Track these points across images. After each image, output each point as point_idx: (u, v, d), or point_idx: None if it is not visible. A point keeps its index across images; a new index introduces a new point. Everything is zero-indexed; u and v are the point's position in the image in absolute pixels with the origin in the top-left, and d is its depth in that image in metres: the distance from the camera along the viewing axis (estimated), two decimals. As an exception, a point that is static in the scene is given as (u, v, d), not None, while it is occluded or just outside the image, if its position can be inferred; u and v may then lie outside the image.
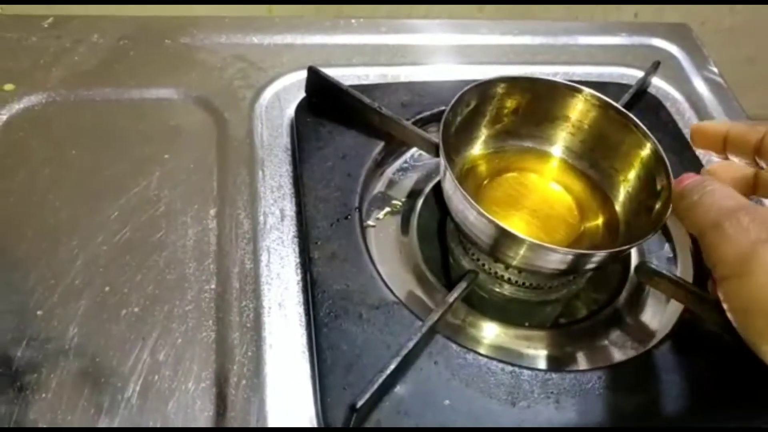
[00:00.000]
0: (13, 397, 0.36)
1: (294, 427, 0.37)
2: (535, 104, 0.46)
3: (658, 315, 0.46)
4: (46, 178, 0.46)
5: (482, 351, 0.40)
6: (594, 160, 0.46)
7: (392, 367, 0.36)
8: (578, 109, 0.46)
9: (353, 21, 0.61)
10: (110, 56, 0.55)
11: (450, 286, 0.45)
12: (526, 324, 0.45)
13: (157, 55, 0.56)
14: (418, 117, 0.51)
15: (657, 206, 0.41)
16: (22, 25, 0.55)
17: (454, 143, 0.43)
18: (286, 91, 0.55)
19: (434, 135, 0.49)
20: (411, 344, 0.37)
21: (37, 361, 0.38)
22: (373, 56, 0.59)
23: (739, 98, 0.62)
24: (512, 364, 0.39)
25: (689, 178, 0.37)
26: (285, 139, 0.51)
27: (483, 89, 0.44)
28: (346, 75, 0.54)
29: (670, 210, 0.39)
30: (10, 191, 0.45)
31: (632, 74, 0.62)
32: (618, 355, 0.43)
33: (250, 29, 0.60)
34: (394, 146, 0.51)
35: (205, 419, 0.37)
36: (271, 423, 0.37)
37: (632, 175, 0.44)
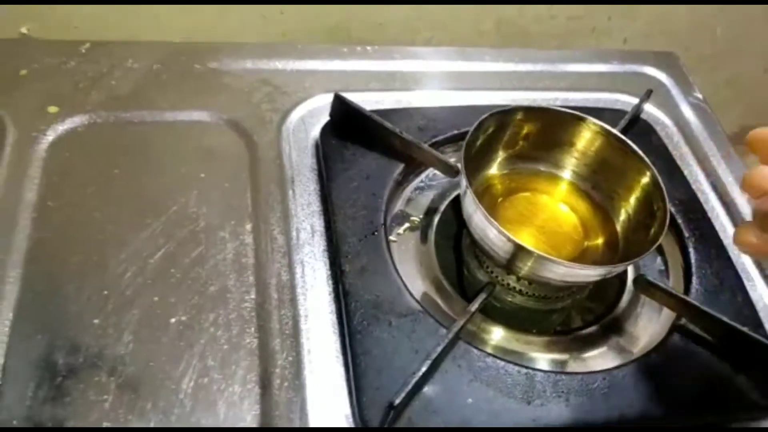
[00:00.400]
0: (77, 399, 0.40)
1: (338, 427, 0.41)
2: (546, 131, 0.50)
3: (653, 322, 0.50)
4: (92, 196, 0.50)
5: (497, 355, 0.45)
6: (597, 183, 0.51)
7: (423, 369, 0.40)
8: (584, 137, 0.50)
9: (369, 48, 0.66)
10: (144, 80, 0.58)
11: (465, 296, 0.49)
12: (534, 330, 0.49)
13: (188, 80, 0.59)
14: (434, 140, 0.56)
15: (654, 226, 0.46)
16: (61, 50, 0.59)
17: (473, 165, 0.47)
18: (311, 114, 0.58)
19: (450, 156, 0.54)
20: (439, 349, 0.41)
21: (97, 366, 0.41)
22: (388, 82, 0.63)
23: (720, 117, 0.67)
24: (526, 367, 0.44)
25: None
26: (311, 160, 0.55)
27: (501, 116, 0.48)
28: (364, 100, 0.58)
29: (665, 229, 0.44)
30: (59, 208, 0.48)
31: (625, 100, 0.67)
32: (618, 359, 0.48)
33: (273, 55, 0.63)
34: (413, 167, 0.55)
35: (252, 417, 0.41)
36: (312, 420, 0.41)
37: (631, 197, 0.49)
